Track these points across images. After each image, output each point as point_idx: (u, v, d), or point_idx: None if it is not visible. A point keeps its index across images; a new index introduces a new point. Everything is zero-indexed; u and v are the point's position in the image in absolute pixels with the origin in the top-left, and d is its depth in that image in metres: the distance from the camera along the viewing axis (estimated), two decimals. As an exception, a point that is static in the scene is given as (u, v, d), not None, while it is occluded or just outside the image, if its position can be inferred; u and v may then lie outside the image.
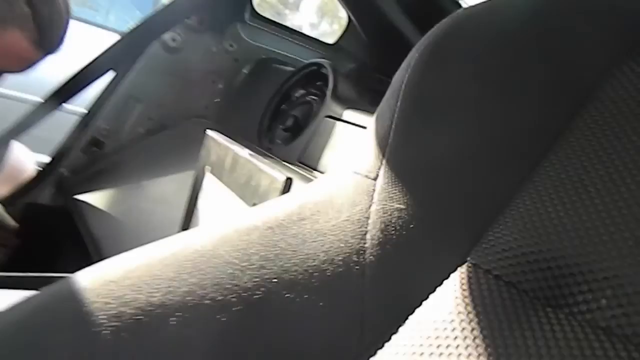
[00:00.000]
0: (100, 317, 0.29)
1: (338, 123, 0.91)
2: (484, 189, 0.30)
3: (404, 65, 0.37)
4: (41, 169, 1.15)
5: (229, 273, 0.32)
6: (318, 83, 1.07)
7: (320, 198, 0.35)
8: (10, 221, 0.99)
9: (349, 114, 0.91)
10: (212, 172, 0.55)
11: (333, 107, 0.95)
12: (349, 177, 0.36)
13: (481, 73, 0.32)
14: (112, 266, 0.32)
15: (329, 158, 0.89)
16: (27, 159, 1.29)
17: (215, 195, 0.53)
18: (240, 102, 1.26)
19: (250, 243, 0.33)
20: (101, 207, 1.01)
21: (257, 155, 0.52)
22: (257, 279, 0.31)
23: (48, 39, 0.81)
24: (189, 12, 1.13)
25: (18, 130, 1.05)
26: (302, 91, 1.11)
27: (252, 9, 1.24)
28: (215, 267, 0.32)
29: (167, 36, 1.15)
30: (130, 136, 1.18)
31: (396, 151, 0.33)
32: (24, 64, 0.84)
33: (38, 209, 1.08)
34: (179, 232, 0.62)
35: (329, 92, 0.97)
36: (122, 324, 0.28)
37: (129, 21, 2.82)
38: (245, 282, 0.31)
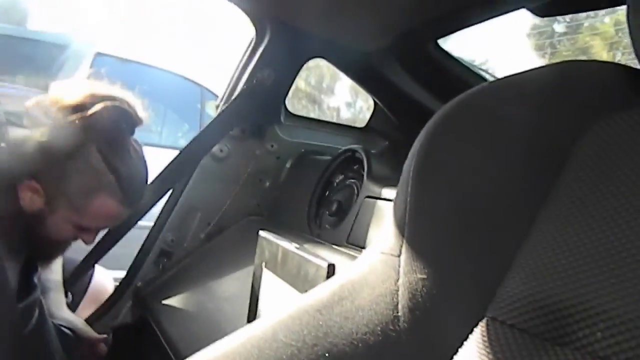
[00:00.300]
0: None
1: (378, 201, 0.97)
2: (490, 249, 0.35)
3: (410, 154, 0.44)
4: (119, 284, 1.27)
5: (288, 354, 0.38)
6: (355, 167, 1.15)
7: (356, 278, 0.41)
8: (96, 335, 1.09)
9: (387, 192, 0.97)
10: (268, 267, 0.62)
11: (371, 188, 1.02)
12: (377, 256, 0.42)
13: (476, 154, 0.38)
14: (194, 361, 0.39)
15: (374, 235, 0.95)
16: (107, 279, 1.42)
17: (272, 288, 0.60)
18: (288, 195, 1.35)
19: (303, 326, 0.39)
20: (175, 312, 1.10)
21: (303, 247, 0.58)
22: (312, 356, 0.37)
23: (131, 196, 0.89)
24: (232, 125, 1.27)
25: (99, 252, 1.17)
26: (341, 176, 1.20)
27: (286, 110, 1.38)
28: (276, 350, 0.38)
29: (215, 149, 1.29)
30: (193, 242, 1.29)
31: (413, 230, 0.40)
32: (112, 221, 0.93)
33: (121, 323, 1.18)
34: (245, 324, 0.69)
35: (365, 175, 1.04)
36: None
37: (180, 135, 3.10)
38: (304, 357, 0.37)
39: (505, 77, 0.41)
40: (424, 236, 0.39)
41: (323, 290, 0.42)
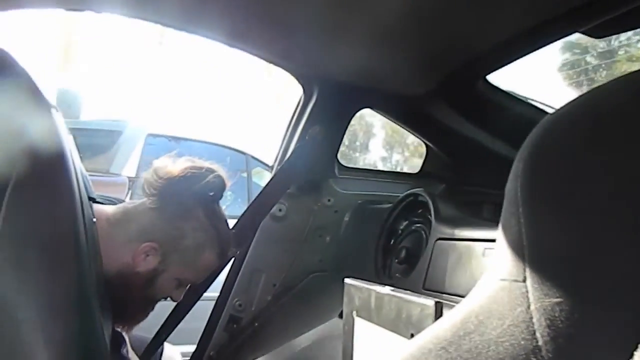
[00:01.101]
0: None
1: (452, 242, 0.94)
2: (634, 263, 0.32)
3: (512, 176, 0.42)
4: (192, 355, 1.25)
5: (421, 398, 0.35)
6: (419, 211, 1.13)
7: (479, 310, 0.38)
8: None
9: (460, 232, 0.94)
10: (360, 315, 0.60)
11: (442, 229, 0.99)
12: (497, 285, 0.39)
13: (583, 163, 0.36)
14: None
15: (453, 277, 0.91)
16: (176, 354, 1.40)
17: (368, 336, 0.57)
18: (349, 248, 1.33)
19: (430, 366, 0.36)
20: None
21: (397, 289, 0.56)
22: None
23: (226, 249, 1.00)
24: (289, 184, 1.28)
25: (168, 328, 1.17)
26: (405, 222, 1.17)
27: (339, 163, 1.38)
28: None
29: (273, 209, 1.29)
30: (260, 305, 1.27)
31: (535, 251, 0.37)
32: (206, 274, 1.03)
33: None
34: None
35: (433, 217, 1.02)
36: None
37: (228, 204, 3.15)
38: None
39: (599, 86, 0.39)
40: (550, 257, 0.36)
41: (441, 328, 0.39)
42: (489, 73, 1.17)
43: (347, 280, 0.64)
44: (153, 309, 1.01)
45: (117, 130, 2.54)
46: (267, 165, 2.97)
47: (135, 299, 0.94)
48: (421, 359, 0.37)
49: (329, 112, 1.27)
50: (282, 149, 1.34)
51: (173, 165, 0.95)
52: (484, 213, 1.17)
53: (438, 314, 0.46)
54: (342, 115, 1.30)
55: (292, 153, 1.29)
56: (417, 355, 0.38)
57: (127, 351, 0.96)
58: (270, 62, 1.20)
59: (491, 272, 0.42)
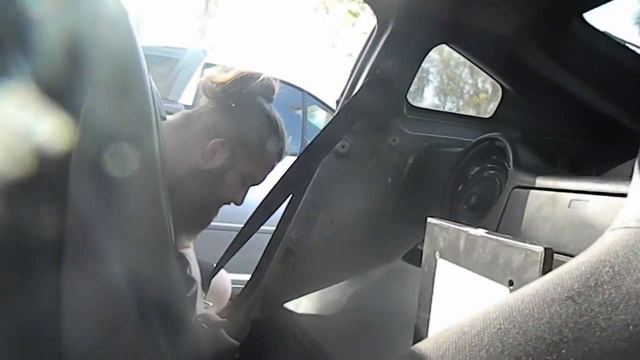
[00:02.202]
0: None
1: (532, 192, 0.88)
2: None
3: None
4: (247, 283, 1.27)
5: (543, 348, 0.31)
6: (493, 157, 1.06)
7: (614, 260, 0.34)
8: (230, 340, 1.08)
9: (541, 181, 0.88)
10: (444, 257, 0.56)
11: (520, 177, 0.92)
12: (634, 232, 0.34)
13: None
14: None
15: (531, 228, 0.86)
16: (226, 280, 1.44)
17: (454, 280, 0.54)
18: (413, 191, 1.28)
19: (553, 315, 0.32)
20: (308, 308, 1.07)
21: (492, 232, 0.52)
22: (578, 354, 0.30)
23: (284, 146, 1.09)
24: (355, 120, 1.23)
25: (228, 255, 1.18)
26: (477, 168, 1.11)
27: (408, 102, 1.31)
28: (529, 343, 0.31)
29: (337, 145, 1.25)
30: (317, 241, 1.26)
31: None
32: (268, 172, 1.08)
33: (251, 323, 1.17)
34: (416, 321, 0.63)
35: (512, 163, 0.95)
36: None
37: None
38: (566, 354, 0.30)
39: None
40: None
41: (563, 277, 0.35)
42: (587, 9, 1.05)
43: (430, 220, 0.60)
44: (217, 214, 1.05)
45: (175, 58, 2.53)
46: (324, 103, 2.90)
47: (204, 199, 0.99)
48: (543, 308, 0.33)
49: (403, 45, 1.19)
50: (349, 83, 1.28)
51: (226, 72, 1.02)
52: (558, 165, 1.10)
53: (547, 262, 0.42)
54: (418, 49, 1.22)
55: (360, 88, 1.23)
56: (538, 304, 0.34)
57: (190, 271, 0.98)
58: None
59: (624, 221, 0.37)
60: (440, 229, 0.58)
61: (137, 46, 0.67)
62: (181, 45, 2.78)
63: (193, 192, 0.95)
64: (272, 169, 1.08)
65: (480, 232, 0.51)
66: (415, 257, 1.01)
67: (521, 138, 1.26)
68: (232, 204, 1.05)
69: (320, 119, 3.31)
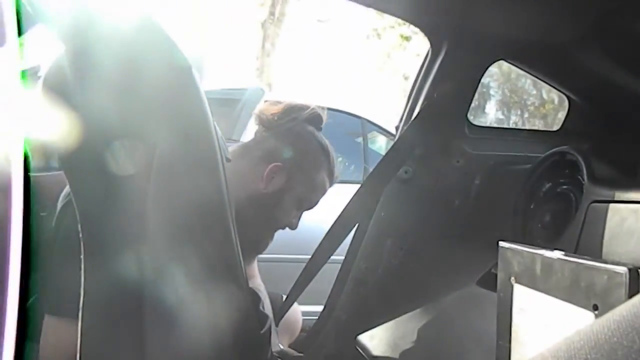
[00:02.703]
0: None
1: (611, 206, 0.83)
2: None
3: None
4: (320, 315, 1.27)
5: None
6: (566, 171, 1.01)
7: None
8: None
9: (620, 194, 0.83)
10: (519, 282, 0.54)
11: (597, 191, 0.87)
12: None
13: None
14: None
15: (613, 245, 0.80)
16: (297, 312, 1.44)
17: (533, 306, 0.51)
18: (481, 212, 1.25)
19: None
20: (385, 345, 1.05)
21: (570, 254, 0.49)
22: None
23: (335, 171, 1.16)
24: (416, 144, 1.22)
25: (299, 288, 1.19)
26: (548, 184, 1.06)
27: (469, 122, 1.29)
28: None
29: (399, 171, 1.25)
30: (388, 270, 1.25)
31: None
32: (321, 196, 1.15)
33: (325, 358, 1.17)
34: (496, 351, 0.61)
35: (586, 177, 0.91)
36: None
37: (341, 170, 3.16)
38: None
39: None
40: None
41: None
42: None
43: (502, 244, 0.58)
44: (273, 238, 1.11)
45: (237, 99, 2.64)
46: (382, 128, 2.91)
47: (263, 223, 1.05)
48: (632, 335, 0.31)
49: (459, 66, 1.18)
50: (407, 108, 1.28)
51: (277, 104, 1.10)
52: (639, 175, 1.03)
53: (633, 282, 0.39)
54: (474, 69, 1.20)
55: (419, 112, 1.22)
56: (626, 330, 0.32)
57: (263, 306, 0.99)
58: (400, 17, 1.14)
59: None
60: (513, 252, 0.56)
61: (201, 95, 0.71)
62: (241, 86, 2.90)
63: (253, 217, 1.01)
64: (325, 192, 1.13)
65: (557, 254, 0.49)
66: (489, 281, 0.97)
67: (594, 149, 1.20)
68: (287, 228, 1.11)
69: (381, 144, 3.31)
